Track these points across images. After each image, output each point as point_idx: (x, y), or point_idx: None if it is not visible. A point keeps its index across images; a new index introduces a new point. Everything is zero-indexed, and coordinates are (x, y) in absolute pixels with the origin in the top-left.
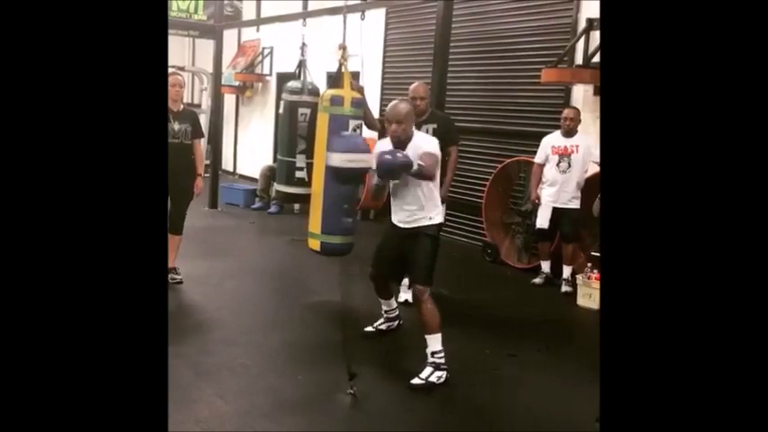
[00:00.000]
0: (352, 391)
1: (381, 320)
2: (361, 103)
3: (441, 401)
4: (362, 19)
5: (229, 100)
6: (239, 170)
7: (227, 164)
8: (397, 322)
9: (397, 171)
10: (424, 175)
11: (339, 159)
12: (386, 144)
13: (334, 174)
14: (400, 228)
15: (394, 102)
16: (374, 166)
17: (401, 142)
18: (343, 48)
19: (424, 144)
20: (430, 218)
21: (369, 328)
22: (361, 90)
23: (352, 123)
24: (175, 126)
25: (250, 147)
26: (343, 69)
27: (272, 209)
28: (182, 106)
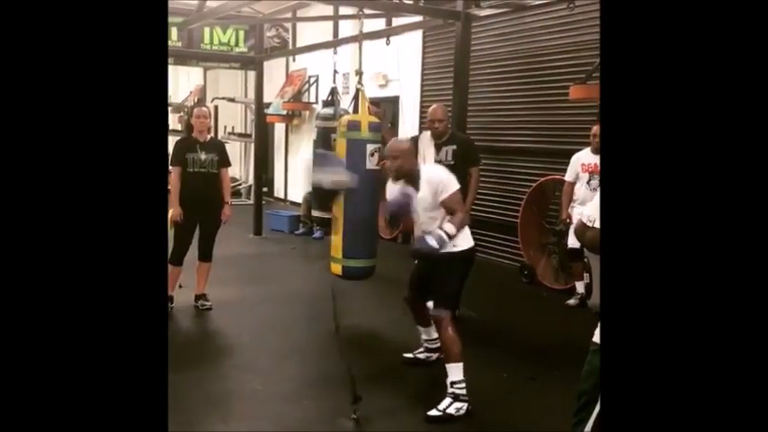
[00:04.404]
0: (355, 416)
1: (421, 349)
2: (378, 128)
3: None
4: (387, 44)
5: (279, 129)
6: (290, 197)
7: (278, 191)
8: (436, 355)
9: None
10: (461, 228)
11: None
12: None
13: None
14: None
15: (395, 138)
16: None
17: (399, 177)
18: (359, 73)
19: (446, 185)
20: (454, 245)
21: (407, 355)
22: (379, 114)
23: (370, 147)
24: (202, 156)
25: (300, 174)
26: (359, 95)
27: (317, 234)
28: (208, 137)
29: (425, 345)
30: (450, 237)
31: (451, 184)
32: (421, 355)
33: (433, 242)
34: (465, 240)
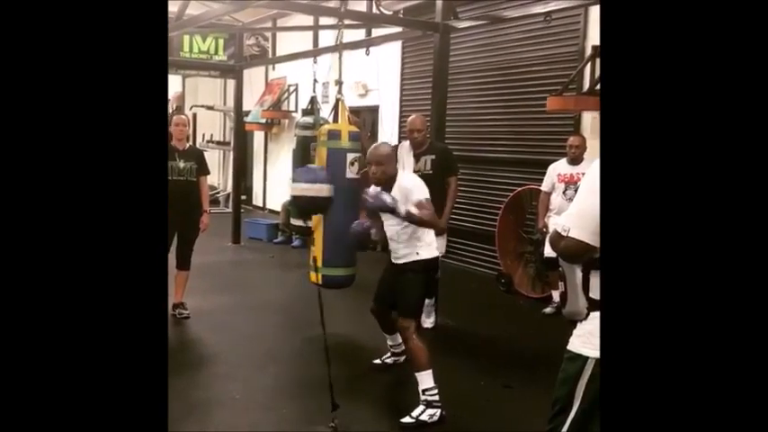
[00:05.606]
0: (333, 425)
1: (388, 354)
2: (358, 137)
3: None
4: (367, 54)
5: (258, 137)
6: (269, 205)
7: (257, 199)
8: (403, 357)
9: (377, 211)
10: (424, 223)
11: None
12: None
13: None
14: (393, 263)
15: (375, 143)
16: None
17: (381, 183)
18: (339, 83)
19: (413, 190)
20: (417, 253)
21: (377, 361)
22: (358, 124)
23: (350, 156)
24: (181, 164)
25: (279, 182)
26: (339, 104)
27: (296, 242)
28: (187, 145)
29: (391, 350)
30: (408, 216)
31: (419, 190)
32: (389, 360)
33: (387, 198)
34: (428, 250)
